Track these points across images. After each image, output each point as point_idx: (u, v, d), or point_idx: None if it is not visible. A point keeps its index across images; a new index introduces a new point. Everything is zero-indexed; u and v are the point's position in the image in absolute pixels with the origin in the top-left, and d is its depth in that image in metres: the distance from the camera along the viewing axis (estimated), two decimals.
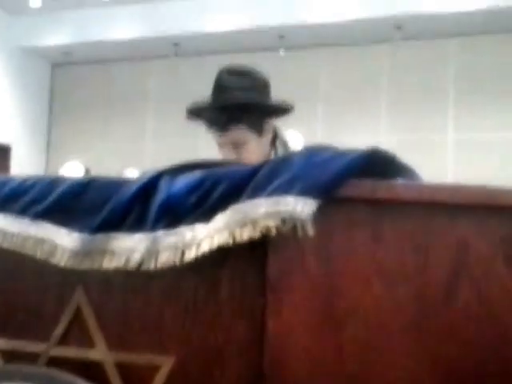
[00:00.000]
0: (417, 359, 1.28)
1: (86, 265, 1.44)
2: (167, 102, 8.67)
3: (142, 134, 8.87)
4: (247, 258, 1.37)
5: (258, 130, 2.22)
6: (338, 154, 1.34)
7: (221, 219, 1.34)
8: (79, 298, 1.49)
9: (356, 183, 1.31)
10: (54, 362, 1.47)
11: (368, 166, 1.33)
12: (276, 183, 1.31)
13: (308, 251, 1.32)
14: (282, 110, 2.28)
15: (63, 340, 1.49)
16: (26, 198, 1.56)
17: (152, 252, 1.39)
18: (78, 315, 1.49)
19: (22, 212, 1.54)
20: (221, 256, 1.36)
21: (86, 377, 1.41)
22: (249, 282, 1.37)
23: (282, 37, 7.76)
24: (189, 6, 7.93)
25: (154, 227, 1.41)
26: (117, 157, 8.57)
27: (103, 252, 1.43)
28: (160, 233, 1.40)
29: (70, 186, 1.53)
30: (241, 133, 2.19)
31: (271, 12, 7.54)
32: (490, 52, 7.39)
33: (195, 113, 2.28)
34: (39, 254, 1.49)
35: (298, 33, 7.67)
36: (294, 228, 1.26)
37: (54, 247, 1.48)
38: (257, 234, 1.29)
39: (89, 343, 1.47)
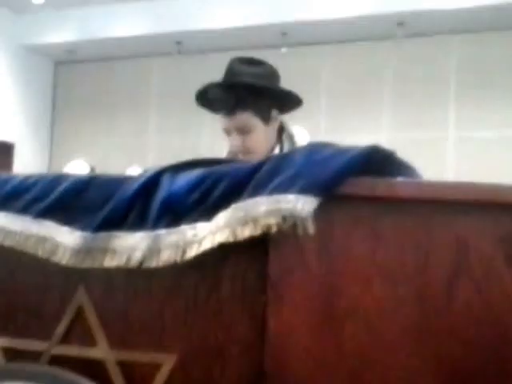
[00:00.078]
0: (417, 359, 1.28)
1: (87, 263, 1.44)
2: (170, 99, 8.67)
3: (145, 132, 8.87)
4: (248, 256, 1.37)
5: (265, 117, 2.22)
6: (338, 152, 1.34)
7: (222, 217, 1.34)
8: (81, 296, 1.49)
9: (356, 181, 1.31)
10: (56, 361, 1.48)
11: (368, 163, 1.33)
12: (277, 181, 1.31)
13: (308, 249, 1.32)
14: (289, 100, 2.27)
15: (65, 338, 1.50)
16: (28, 196, 1.56)
17: (153, 250, 1.39)
18: (79, 314, 1.49)
19: (24, 210, 1.55)
20: (222, 254, 1.36)
21: (88, 375, 1.41)
22: (250, 280, 1.38)
23: (284, 34, 7.74)
24: (191, 3, 7.92)
25: (155, 225, 1.41)
26: (120, 154, 8.57)
27: (105, 250, 1.44)
28: (161, 231, 1.40)
29: (72, 184, 1.54)
30: (247, 118, 2.19)
31: (274, 9, 7.53)
32: (492, 49, 7.37)
33: (204, 93, 2.26)
34: (41, 253, 1.50)
35: (301, 30, 7.66)
36: (295, 226, 1.26)
37: (56, 245, 1.48)
38: (258, 232, 1.29)
39: (90, 342, 1.47)
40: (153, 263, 1.39)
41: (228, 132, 2.24)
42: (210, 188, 1.39)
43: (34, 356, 1.50)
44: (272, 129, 2.27)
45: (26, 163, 8.60)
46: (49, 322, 1.51)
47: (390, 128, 7.68)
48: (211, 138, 7.76)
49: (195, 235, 1.36)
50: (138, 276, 1.44)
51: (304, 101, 2.30)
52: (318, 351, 1.30)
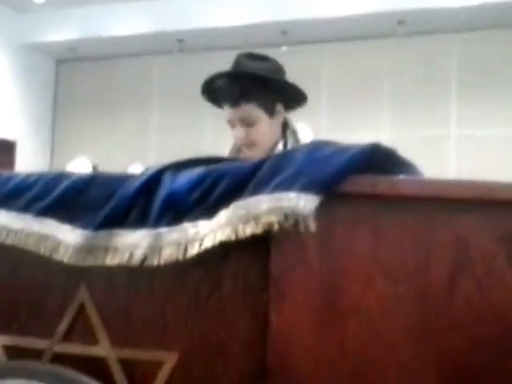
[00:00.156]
0: (419, 356, 1.28)
1: (89, 261, 1.44)
2: (172, 97, 8.68)
3: (146, 130, 8.87)
4: (250, 254, 1.37)
5: (270, 110, 2.22)
6: (339, 150, 1.34)
7: (223, 215, 1.34)
8: (83, 294, 1.49)
9: (357, 179, 1.31)
10: (58, 359, 1.48)
11: (369, 161, 1.33)
12: (278, 179, 1.31)
13: (310, 247, 1.32)
14: (294, 94, 2.27)
15: (67, 337, 1.50)
16: (30, 195, 1.56)
17: (155, 248, 1.39)
18: (81, 312, 1.49)
19: (26, 208, 1.55)
20: (224, 252, 1.36)
21: (90, 373, 1.41)
22: (251, 278, 1.38)
23: (284, 32, 7.74)
24: (192, 1, 7.92)
25: (156, 223, 1.41)
26: (122, 152, 8.57)
27: (106, 248, 1.44)
28: (163, 229, 1.40)
29: (73, 182, 1.54)
30: (251, 109, 2.19)
31: (274, 7, 7.53)
32: (493, 47, 7.36)
33: (209, 84, 2.26)
34: (42, 251, 1.50)
35: (301, 28, 7.66)
36: (296, 224, 1.26)
37: (58, 244, 1.48)
38: (259, 230, 1.29)
39: (92, 340, 1.47)
40: (154, 261, 1.39)
41: (232, 124, 2.24)
42: (212, 186, 1.39)
43: (36, 354, 1.50)
44: (276, 123, 2.27)
45: (28, 161, 8.60)
46: (51, 320, 1.51)
47: (392, 126, 7.67)
48: (213, 136, 7.77)
49: (197, 233, 1.36)
50: (139, 274, 1.44)
51: None
52: (319, 349, 1.30)
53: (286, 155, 1.39)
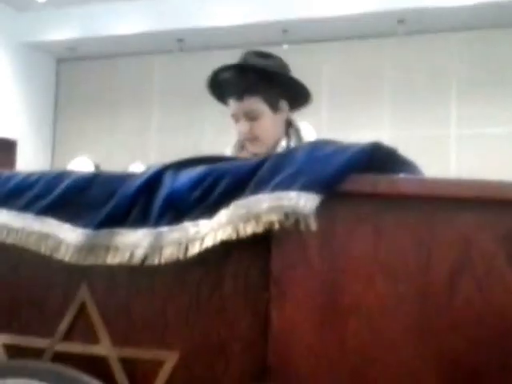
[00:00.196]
0: (419, 356, 1.28)
1: (90, 260, 1.45)
2: (172, 96, 8.68)
3: (147, 129, 8.87)
4: (251, 253, 1.38)
5: (274, 105, 2.22)
6: (340, 149, 1.34)
7: (224, 214, 1.35)
8: (84, 293, 1.49)
9: (358, 178, 1.31)
10: (59, 358, 1.48)
11: (370, 160, 1.33)
12: (278, 178, 1.31)
13: (311, 246, 1.32)
14: (299, 91, 2.28)
15: (68, 336, 1.50)
16: (30, 194, 1.56)
17: (156, 247, 1.39)
18: (82, 311, 1.49)
19: (26, 207, 1.55)
20: (224, 251, 1.36)
21: (91, 372, 1.41)
22: (252, 277, 1.38)
23: (285, 31, 7.74)
24: (193, 0, 7.92)
25: (157, 222, 1.41)
26: (123, 151, 8.57)
27: (107, 247, 1.44)
28: (163, 228, 1.40)
29: (74, 181, 1.54)
30: (255, 103, 2.20)
31: (275, 6, 7.53)
32: (494, 46, 7.36)
33: (215, 77, 2.27)
34: (43, 250, 1.50)
35: (302, 27, 7.66)
36: (297, 223, 1.26)
37: (59, 242, 1.49)
38: (260, 229, 1.29)
39: (93, 339, 1.47)
40: (155, 260, 1.39)
41: (236, 118, 2.24)
42: (212, 185, 1.39)
43: (37, 353, 1.50)
44: (280, 119, 2.27)
45: (29, 161, 8.60)
46: (51, 319, 1.52)
47: (392, 125, 7.67)
48: (213, 136, 7.77)
49: (197, 232, 1.37)
50: (140, 273, 1.44)
51: None
52: (320, 348, 1.31)
53: (287, 154, 1.39)
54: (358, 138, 1.53)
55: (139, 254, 1.40)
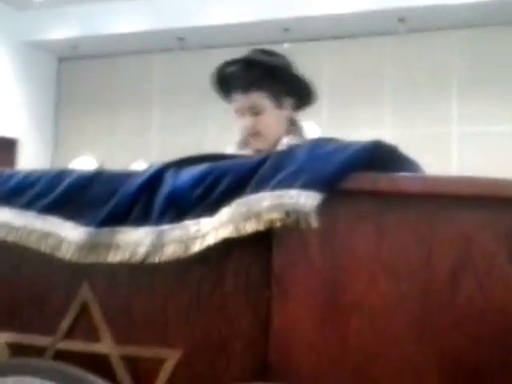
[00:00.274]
0: (421, 353, 1.28)
1: (91, 259, 1.45)
2: (173, 95, 8.68)
3: (148, 127, 8.87)
4: (252, 251, 1.38)
5: (278, 101, 2.23)
6: (340, 147, 1.34)
7: (225, 212, 1.35)
8: (85, 292, 1.49)
9: (359, 176, 1.31)
10: (61, 356, 1.48)
11: (371, 158, 1.33)
12: (279, 176, 1.31)
13: (312, 244, 1.32)
14: (303, 89, 2.28)
15: (70, 334, 1.50)
16: (32, 192, 1.56)
17: (157, 246, 1.40)
18: (84, 309, 1.49)
19: (28, 206, 1.55)
20: (226, 249, 1.36)
21: (93, 370, 1.42)
22: (254, 275, 1.38)
23: (286, 30, 7.74)
24: None
25: (158, 221, 1.41)
26: (124, 151, 8.56)
27: (108, 246, 1.44)
28: (165, 226, 1.40)
29: (76, 180, 1.54)
30: (260, 97, 2.21)
31: (276, 5, 7.53)
32: (494, 44, 7.35)
33: (221, 71, 2.27)
34: (45, 248, 1.50)
35: (303, 25, 7.65)
36: (298, 221, 1.26)
37: (60, 241, 1.49)
38: (261, 227, 1.29)
39: (95, 337, 1.47)
40: (156, 258, 1.39)
41: (240, 113, 2.25)
42: (214, 183, 1.39)
43: (39, 351, 1.50)
44: (283, 116, 2.27)
45: (30, 159, 8.60)
46: (53, 318, 1.52)
47: (393, 124, 7.66)
48: (215, 134, 7.76)
49: (199, 230, 1.37)
50: (141, 271, 1.44)
51: None
52: (321, 346, 1.31)
53: (288, 153, 1.39)
54: (358, 136, 1.53)
55: (141, 252, 1.40)
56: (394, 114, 7.74)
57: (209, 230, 1.35)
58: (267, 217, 1.28)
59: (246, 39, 7.65)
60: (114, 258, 1.43)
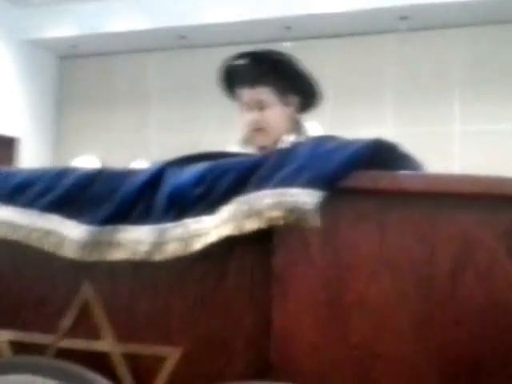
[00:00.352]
0: (423, 350, 1.28)
1: (93, 257, 1.45)
2: (172, 93, 8.67)
3: (148, 126, 8.86)
4: (253, 249, 1.38)
5: (283, 97, 2.24)
6: (342, 145, 1.34)
7: (226, 211, 1.35)
8: (87, 290, 1.50)
9: (360, 174, 1.31)
10: (63, 354, 1.48)
11: (372, 156, 1.33)
12: (281, 175, 1.31)
13: (313, 242, 1.32)
14: (308, 87, 2.28)
15: (71, 332, 1.50)
16: (34, 191, 1.56)
17: (159, 244, 1.40)
18: (85, 307, 1.50)
19: (30, 204, 1.55)
20: (227, 247, 1.36)
21: (94, 368, 1.42)
22: (255, 274, 1.38)
23: (288, 28, 7.73)
24: None
25: (160, 219, 1.41)
26: (124, 149, 8.56)
27: (110, 244, 1.44)
28: (167, 224, 1.40)
29: (78, 178, 1.54)
30: (266, 92, 2.22)
31: (277, 3, 7.52)
32: (496, 43, 7.34)
33: (228, 65, 2.28)
34: (47, 246, 1.50)
35: (304, 23, 7.65)
36: (299, 219, 1.26)
37: (62, 239, 1.49)
38: (262, 226, 1.29)
39: (96, 335, 1.48)
40: (158, 257, 1.39)
41: (246, 107, 2.26)
42: (215, 182, 1.39)
43: (41, 349, 1.50)
44: (287, 113, 2.28)
45: (31, 158, 8.60)
46: (55, 316, 1.52)
47: (395, 122, 7.66)
48: (215, 132, 7.76)
49: (200, 229, 1.37)
50: (143, 269, 1.44)
51: None
52: (323, 344, 1.31)
53: (289, 151, 1.39)
54: (360, 135, 1.53)
55: (142, 250, 1.40)
56: (396, 112, 7.73)
57: (210, 228, 1.35)
58: (268, 215, 1.28)
59: (247, 37, 7.65)
60: (117, 256, 1.43)
